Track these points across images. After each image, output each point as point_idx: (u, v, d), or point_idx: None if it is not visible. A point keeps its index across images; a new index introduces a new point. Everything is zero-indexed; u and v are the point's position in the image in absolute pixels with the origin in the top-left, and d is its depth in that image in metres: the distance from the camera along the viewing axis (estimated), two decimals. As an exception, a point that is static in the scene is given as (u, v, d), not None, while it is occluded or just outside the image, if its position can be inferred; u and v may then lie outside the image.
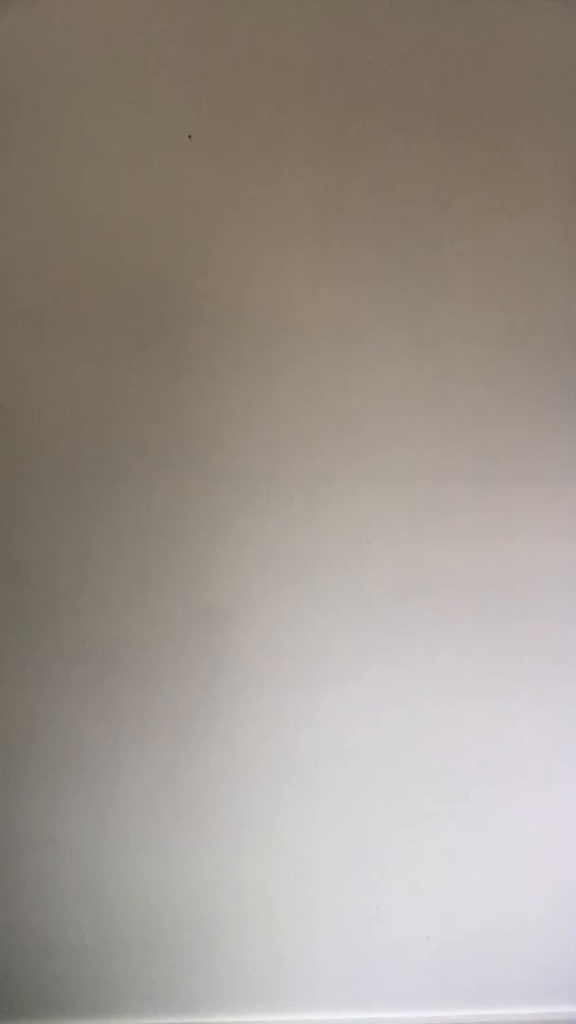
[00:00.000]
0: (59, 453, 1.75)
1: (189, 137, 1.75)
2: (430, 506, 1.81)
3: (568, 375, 1.82)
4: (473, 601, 1.82)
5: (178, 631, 1.77)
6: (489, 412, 1.81)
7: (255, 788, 1.80)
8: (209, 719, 1.78)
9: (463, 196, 1.79)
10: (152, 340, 1.75)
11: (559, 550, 1.83)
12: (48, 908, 1.79)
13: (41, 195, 1.73)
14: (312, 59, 1.76)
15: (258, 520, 1.78)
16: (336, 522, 1.79)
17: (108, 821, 1.78)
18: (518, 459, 1.82)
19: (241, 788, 1.80)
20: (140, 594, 1.76)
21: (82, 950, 1.80)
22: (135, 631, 1.77)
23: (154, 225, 1.75)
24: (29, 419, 1.75)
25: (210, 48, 1.74)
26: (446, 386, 1.80)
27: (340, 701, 1.81)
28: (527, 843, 1.85)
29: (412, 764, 1.82)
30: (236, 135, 1.75)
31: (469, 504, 1.81)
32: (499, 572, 1.82)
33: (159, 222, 1.75)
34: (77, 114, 1.73)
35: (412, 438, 1.80)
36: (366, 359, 1.79)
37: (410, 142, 1.78)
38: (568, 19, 1.79)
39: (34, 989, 1.80)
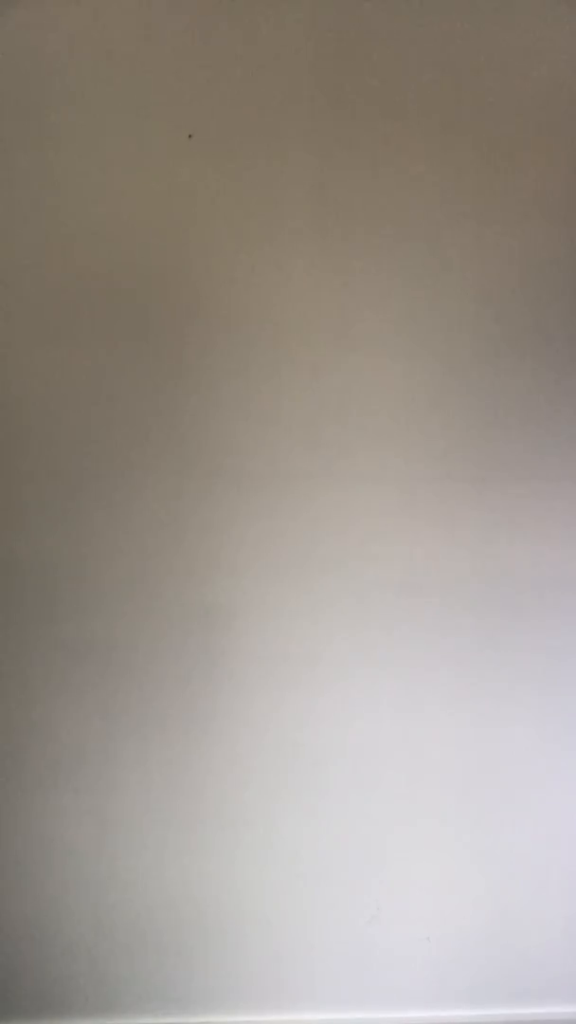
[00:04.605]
0: (58, 452, 1.75)
1: (189, 137, 1.75)
2: (430, 506, 1.81)
3: (568, 374, 1.82)
4: (472, 601, 1.82)
5: (177, 630, 1.77)
6: (489, 412, 1.81)
7: (254, 787, 1.80)
8: (208, 718, 1.78)
9: (463, 196, 1.79)
10: (151, 339, 1.75)
11: (558, 550, 1.83)
12: (48, 908, 1.79)
13: (41, 195, 1.73)
14: (312, 59, 1.75)
15: (258, 519, 1.78)
16: (335, 521, 1.79)
17: (107, 821, 1.78)
18: (518, 459, 1.82)
19: (240, 787, 1.80)
20: (139, 593, 1.76)
21: (82, 950, 1.80)
22: (134, 630, 1.77)
23: (154, 225, 1.75)
24: (28, 418, 1.75)
25: (210, 48, 1.74)
26: (446, 386, 1.80)
27: (339, 700, 1.81)
28: (526, 842, 1.85)
29: (412, 763, 1.82)
30: (236, 135, 1.75)
31: (469, 504, 1.81)
32: (498, 572, 1.82)
33: (159, 222, 1.75)
34: (77, 114, 1.73)
35: (412, 438, 1.80)
36: (366, 359, 1.79)
37: (410, 142, 1.78)
38: (568, 19, 1.79)
39: (34, 989, 1.80)
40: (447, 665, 1.82)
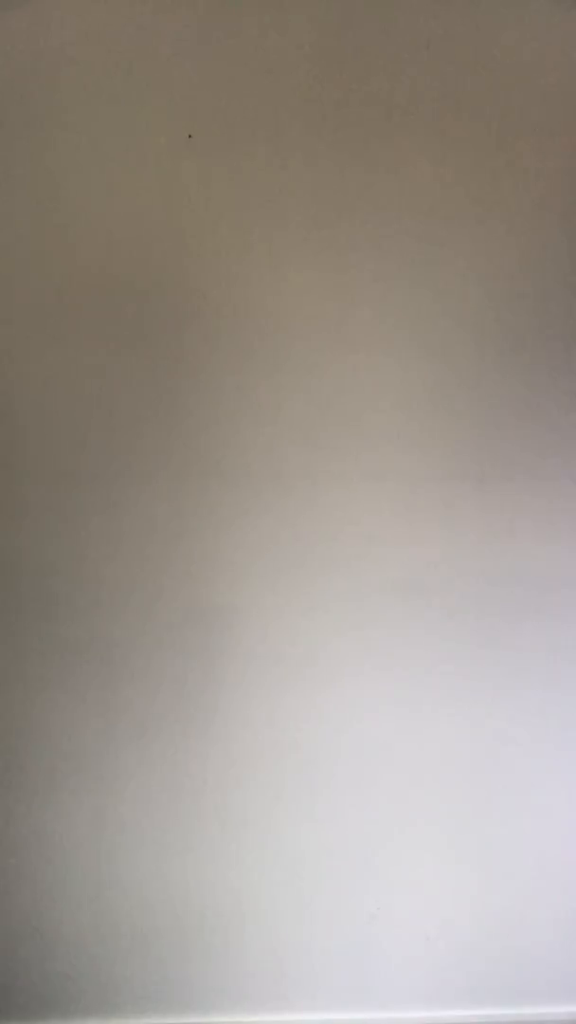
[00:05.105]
0: (57, 452, 1.75)
1: (189, 137, 1.75)
2: (430, 506, 1.81)
3: (568, 374, 1.82)
4: (473, 600, 1.82)
5: (176, 630, 1.77)
6: (490, 411, 1.81)
7: (254, 787, 1.80)
8: (208, 718, 1.79)
9: (463, 196, 1.79)
10: (151, 339, 1.75)
11: (559, 549, 1.83)
12: (48, 908, 1.79)
13: (41, 194, 1.73)
14: (312, 59, 1.75)
15: (257, 519, 1.78)
16: (336, 521, 1.79)
17: (107, 821, 1.78)
18: (519, 458, 1.82)
19: (240, 787, 1.80)
20: (138, 593, 1.76)
21: (82, 950, 1.80)
22: (134, 630, 1.77)
23: (154, 225, 1.75)
24: (27, 417, 1.75)
25: (210, 48, 1.74)
26: (446, 385, 1.80)
27: (339, 700, 1.81)
28: (527, 842, 1.85)
29: (412, 763, 1.82)
30: (236, 135, 1.75)
31: (469, 503, 1.81)
32: (499, 571, 1.82)
33: (159, 222, 1.75)
34: (77, 114, 1.73)
35: (412, 437, 1.80)
36: (366, 359, 1.79)
37: (410, 141, 1.78)
38: (568, 19, 1.79)
39: (34, 989, 1.80)
40: (447, 665, 1.82)
